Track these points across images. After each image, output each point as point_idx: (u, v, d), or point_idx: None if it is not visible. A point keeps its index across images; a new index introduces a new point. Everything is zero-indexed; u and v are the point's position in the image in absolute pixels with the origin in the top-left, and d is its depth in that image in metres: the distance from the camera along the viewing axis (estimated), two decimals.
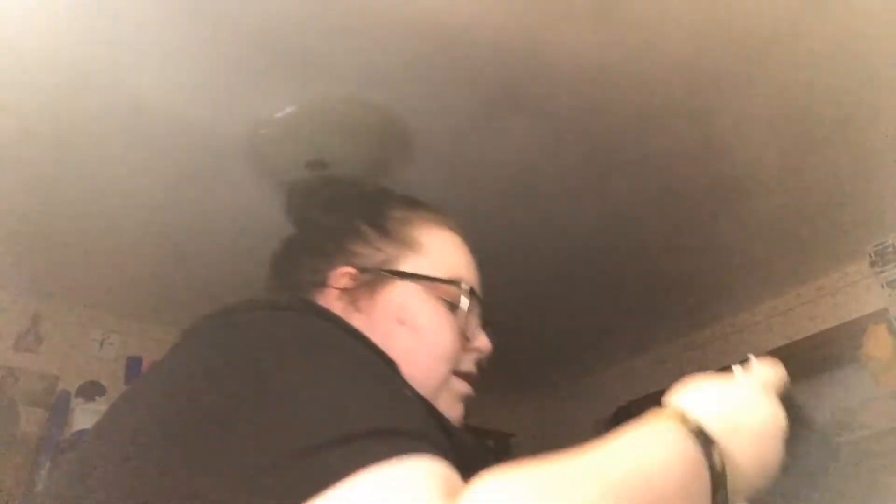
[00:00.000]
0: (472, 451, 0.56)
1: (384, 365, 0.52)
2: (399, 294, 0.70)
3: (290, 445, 0.39)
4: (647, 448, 0.46)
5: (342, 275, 0.71)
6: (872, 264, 1.87)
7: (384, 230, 0.74)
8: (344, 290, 0.70)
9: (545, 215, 1.63)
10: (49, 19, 1.02)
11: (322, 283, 0.71)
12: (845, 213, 1.70)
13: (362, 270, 0.71)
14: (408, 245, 0.73)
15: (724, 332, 2.25)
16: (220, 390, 0.42)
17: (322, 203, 0.81)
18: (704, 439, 0.48)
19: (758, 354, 0.63)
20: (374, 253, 0.72)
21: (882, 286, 1.85)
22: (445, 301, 0.71)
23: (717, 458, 0.47)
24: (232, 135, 1.27)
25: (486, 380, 0.76)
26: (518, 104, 1.28)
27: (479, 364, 0.75)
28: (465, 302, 0.71)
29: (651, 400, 0.50)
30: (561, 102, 1.28)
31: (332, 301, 0.69)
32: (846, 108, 1.35)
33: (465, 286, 0.72)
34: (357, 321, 0.66)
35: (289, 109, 1.22)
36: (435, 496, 0.36)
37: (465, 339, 0.72)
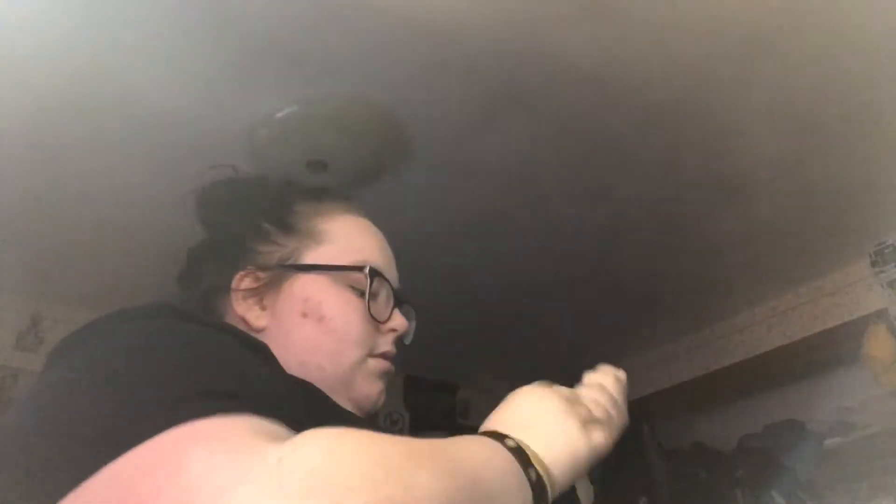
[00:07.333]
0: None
1: (237, 347, 0.51)
2: (301, 287, 0.71)
3: (117, 418, 0.40)
4: (473, 445, 0.49)
5: (243, 277, 0.72)
6: (872, 264, 1.87)
7: (286, 225, 0.75)
8: (248, 291, 0.71)
9: (545, 215, 1.62)
10: (48, 20, 1.02)
11: (226, 288, 0.72)
12: (845, 212, 1.70)
13: (264, 269, 0.72)
14: (311, 237, 0.74)
15: (724, 332, 2.25)
16: (76, 405, 0.43)
17: (225, 206, 0.80)
18: (521, 456, 0.51)
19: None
20: (277, 249, 0.73)
21: (882, 286, 1.85)
22: (353, 287, 0.72)
23: (532, 472, 0.50)
24: (232, 135, 1.27)
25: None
26: (518, 104, 1.28)
27: (397, 342, 0.77)
28: (369, 286, 0.72)
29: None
30: (561, 102, 1.28)
31: (237, 303, 0.71)
32: (847, 107, 1.35)
33: (367, 271, 0.72)
34: (263, 320, 0.70)
35: (289, 109, 1.22)
36: (252, 440, 0.37)
37: (376, 321, 0.73)
